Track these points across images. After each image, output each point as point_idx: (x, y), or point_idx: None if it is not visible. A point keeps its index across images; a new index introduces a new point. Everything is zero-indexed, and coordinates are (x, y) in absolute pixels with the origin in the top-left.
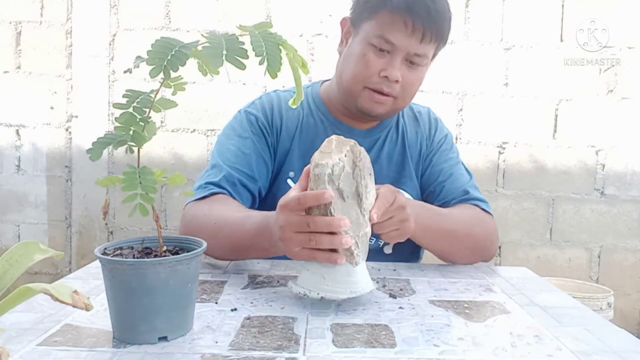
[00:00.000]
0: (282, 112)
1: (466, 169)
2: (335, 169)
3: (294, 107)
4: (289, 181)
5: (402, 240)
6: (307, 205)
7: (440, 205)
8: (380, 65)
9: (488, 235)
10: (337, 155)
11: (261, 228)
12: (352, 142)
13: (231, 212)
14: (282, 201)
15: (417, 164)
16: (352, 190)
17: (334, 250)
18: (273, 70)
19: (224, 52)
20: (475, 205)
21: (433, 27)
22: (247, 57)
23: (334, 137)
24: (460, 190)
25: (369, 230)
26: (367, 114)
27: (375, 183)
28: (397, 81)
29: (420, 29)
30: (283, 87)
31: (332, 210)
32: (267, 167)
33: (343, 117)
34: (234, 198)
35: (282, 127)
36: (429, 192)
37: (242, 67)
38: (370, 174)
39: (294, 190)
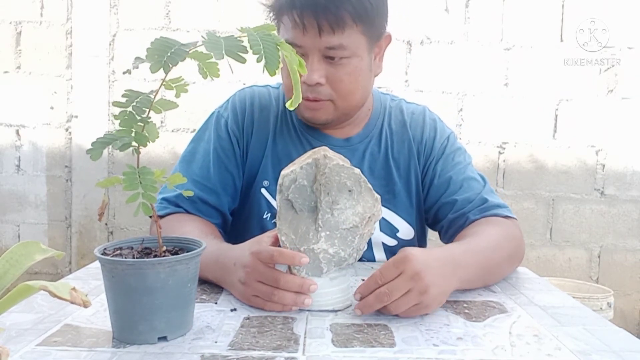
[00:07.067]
0: (255, 114)
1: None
2: (285, 180)
3: (291, 109)
4: (264, 191)
5: (427, 313)
6: (280, 263)
7: (456, 218)
8: None
9: (518, 247)
10: (295, 166)
11: (214, 259)
12: (323, 154)
13: (185, 230)
14: (255, 248)
15: (408, 178)
16: (309, 204)
17: None
18: (271, 67)
19: (224, 47)
20: (497, 214)
21: (328, 15)
22: (246, 51)
23: (318, 148)
24: (478, 199)
25: (322, 247)
26: (314, 123)
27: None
28: (318, 84)
29: (312, 22)
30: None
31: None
32: (233, 177)
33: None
34: (194, 214)
35: (254, 132)
36: (442, 205)
37: (243, 60)
38: (349, 191)
39: (267, 237)
